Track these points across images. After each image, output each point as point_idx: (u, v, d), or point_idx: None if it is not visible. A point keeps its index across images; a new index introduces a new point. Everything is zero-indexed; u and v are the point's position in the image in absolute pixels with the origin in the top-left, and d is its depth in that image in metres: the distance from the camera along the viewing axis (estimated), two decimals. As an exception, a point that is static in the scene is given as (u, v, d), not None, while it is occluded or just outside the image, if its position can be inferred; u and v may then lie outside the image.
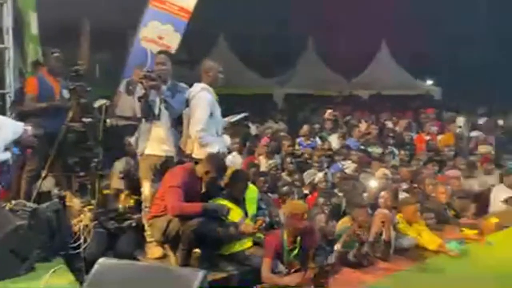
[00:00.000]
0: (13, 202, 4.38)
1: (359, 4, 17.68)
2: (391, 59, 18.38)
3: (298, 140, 7.91)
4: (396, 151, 7.90)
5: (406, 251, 4.83)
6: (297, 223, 4.05)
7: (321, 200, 5.24)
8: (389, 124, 10.17)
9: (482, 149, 8.43)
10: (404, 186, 6.33)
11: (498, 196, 6.74)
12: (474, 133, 9.78)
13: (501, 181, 6.98)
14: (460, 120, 10.63)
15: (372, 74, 18.26)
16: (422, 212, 5.38)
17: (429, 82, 18.44)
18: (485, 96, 14.76)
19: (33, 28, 6.96)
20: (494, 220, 5.75)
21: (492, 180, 7.13)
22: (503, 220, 5.83)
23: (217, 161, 4.21)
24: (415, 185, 6.47)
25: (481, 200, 6.77)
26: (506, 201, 6.59)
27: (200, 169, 4.18)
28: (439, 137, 9.39)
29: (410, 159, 7.62)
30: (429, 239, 4.96)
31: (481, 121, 11.16)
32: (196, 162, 4.28)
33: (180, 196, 3.96)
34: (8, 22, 6.33)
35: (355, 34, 17.99)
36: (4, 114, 5.59)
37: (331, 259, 4.24)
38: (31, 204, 4.33)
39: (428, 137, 9.23)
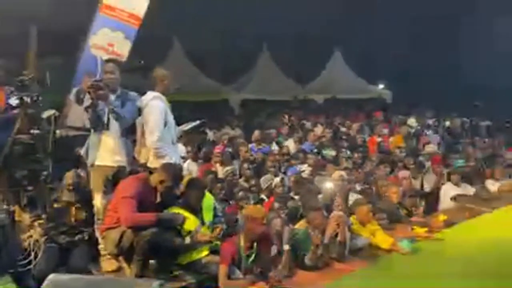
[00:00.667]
0: (-44, 219, 4.17)
1: (313, 9, 18.01)
2: (344, 64, 18.83)
3: (250, 146, 7.95)
4: (349, 153, 8.09)
5: (360, 251, 4.95)
6: (256, 227, 4.08)
7: (276, 204, 5.29)
8: (343, 128, 10.41)
9: (429, 148, 8.79)
10: (358, 187, 6.48)
11: (446, 194, 7.04)
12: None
13: (449, 179, 7.29)
14: (412, 121, 11.04)
15: (326, 78, 18.64)
16: (375, 213, 5.54)
17: (381, 86, 19.01)
18: (433, 100, 15.40)
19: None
20: (443, 218, 6.00)
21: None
22: (451, 217, 6.09)
23: (172, 170, 4.16)
24: (368, 186, 6.65)
25: (431, 198, 7.05)
26: (454, 198, 6.90)
27: (154, 179, 4.13)
28: (390, 139, 9.71)
29: (363, 161, 7.83)
30: (382, 239, 5.11)
31: (430, 122, 11.64)
32: (151, 171, 4.22)
33: (133, 206, 3.89)
34: None
35: (308, 39, 18.31)
36: None
37: (274, 250, 4.29)
38: (-25, 221, 4.13)
39: (379, 139, 9.52)
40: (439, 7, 18.38)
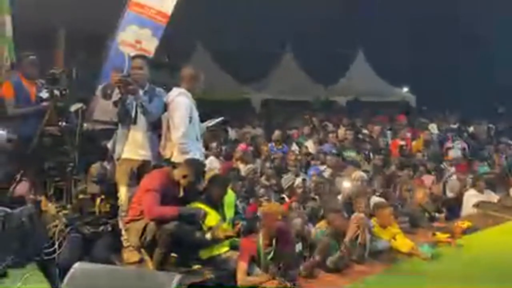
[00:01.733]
0: (-15, 207, 4.30)
1: (335, 10, 17.93)
2: (368, 66, 18.70)
3: (269, 145, 7.98)
4: (371, 156, 8.04)
5: (380, 254, 4.92)
6: (274, 223, 4.10)
7: (296, 204, 5.30)
8: (365, 130, 10.35)
9: (451, 153, 8.67)
10: (379, 190, 6.44)
11: (469, 200, 6.94)
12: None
13: (473, 185, 7.19)
14: (433, 126, 10.91)
15: (349, 80, 18.55)
16: (396, 216, 5.50)
17: (405, 89, 18.82)
18: (457, 104, 15.19)
19: (8, 31, 6.86)
20: (465, 224, 5.92)
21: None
22: (474, 224, 6.01)
23: (195, 166, 4.22)
24: (390, 189, 6.60)
25: (453, 204, 6.96)
26: (477, 205, 6.79)
27: (178, 173, 4.19)
28: (413, 143, 9.62)
29: (384, 164, 7.78)
30: (402, 242, 5.07)
31: (453, 127, 11.48)
32: (174, 166, 4.28)
33: (157, 200, 3.96)
34: (-18, 25, 6.22)
35: (332, 40, 18.21)
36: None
37: (299, 247, 4.29)
38: (4, 209, 4.26)
39: (402, 143, 9.44)
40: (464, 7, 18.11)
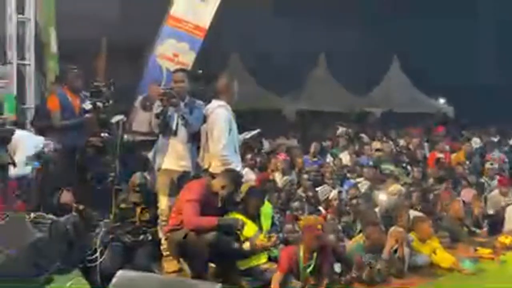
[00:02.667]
0: (33, 214, 4.48)
1: (371, 19, 17.82)
2: (403, 77, 18.45)
3: (304, 157, 7.96)
4: (409, 168, 7.91)
5: (420, 269, 4.83)
6: (314, 238, 4.09)
7: (330, 217, 5.26)
8: (402, 142, 10.19)
9: (492, 167, 8.41)
10: (418, 203, 6.32)
11: (512, 215, 6.70)
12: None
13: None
14: (476, 141, 10.63)
15: (383, 91, 18.33)
16: (436, 230, 5.39)
17: (442, 100, 18.43)
18: (498, 116, 14.74)
19: (53, 45, 7.16)
20: (508, 239, 5.73)
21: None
22: (517, 239, 5.80)
23: (234, 177, 4.28)
24: (429, 202, 6.47)
25: (495, 219, 6.74)
26: (520, 220, 6.55)
27: (216, 184, 4.25)
28: (452, 156, 9.39)
29: (422, 177, 7.64)
30: (443, 257, 4.96)
31: (494, 139, 11.15)
32: (213, 177, 4.35)
33: (196, 210, 4.03)
34: (30, 39, 6.51)
35: (366, 50, 18.09)
36: (24, 128, 5.72)
37: (338, 268, 4.26)
38: (50, 217, 4.42)
39: (440, 155, 9.23)
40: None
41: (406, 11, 18.42)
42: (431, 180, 7.44)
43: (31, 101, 6.43)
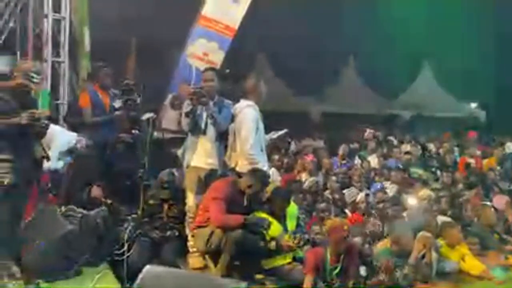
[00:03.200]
0: (64, 208, 4.61)
1: (400, 21, 17.53)
2: (433, 80, 18.13)
3: (333, 159, 7.90)
4: (439, 173, 7.76)
5: (448, 275, 4.73)
6: (340, 240, 4.06)
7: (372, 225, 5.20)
8: (431, 146, 10.01)
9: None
10: (447, 209, 6.20)
11: (546, 223, 6.49)
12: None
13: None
14: (509, 146, 10.34)
15: (413, 94, 18.05)
16: (465, 237, 5.27)
17: (473, 104, 18.00)
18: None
19: (86, 43, 7.34)
20: (541, 248, 5.55)
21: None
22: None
23: (260, 176, 4.29)
24: (458, 208, 6.33)
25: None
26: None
27: (243, 183, 4.27)
28: (484, 161, 9.16)
29: (452, 182, 7.47)
30: (472, 264, 4.85)
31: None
32: (240, 175, 4.38)
33: (222, 207, 4.06)
34: (64, 37, 6.69)
35: (397, 53, 17.81)
36: (58, 124, 5.88)
37: (363, 271, 4.21)
38: (81, 211, 4.54)
39: (470, 160, 9.03)
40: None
41: (429, 12, 18.05)
42: (460, 186, 7.27)
43: (64, 98, 6.62)
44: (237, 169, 4.52)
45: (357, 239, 4.89)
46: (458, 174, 8.09)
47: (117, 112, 5.50)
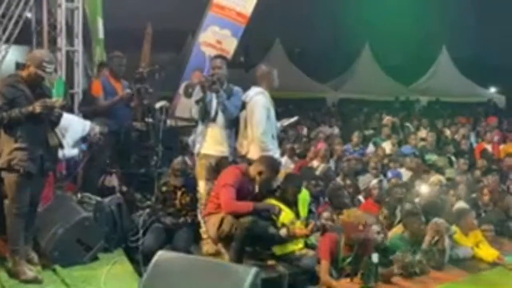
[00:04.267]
0: (80, 195, 4.71)
1: (416, 8, 17.22)
2: (451, 65, 17.80)
3: (345, 146, 7.85)
4: (454, 159, 7.66)
5: (461, 262, 4.70)
6: (355, 234, 4.05)
7: (385, 211, 5.17)
8: (447, 132, 9.87)
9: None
10: (462, 195, 6.12)
11: None
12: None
13: None
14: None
15: (431, 79, 17.78)
16: (481, 223, 5.22)
17: (493, 89, 17.64)
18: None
19: (100, 32, 7.40)
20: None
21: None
22: None
23: (271, 163, 4.30)
24: (474, 194, 6.26)
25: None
26: None
27: (254, 170, 4.28)
28: (501, 147, 9.00)
29: (469, 168, 7.38)
30: (486, 251, 4.80)
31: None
32: (250, 162, 4.39)
33: (233, 194, 4.08)
34: (78, 26, 6.75)
35: (413, 39, 17.54)
36: (73, 112, 5.97)
37: (375, 258, 4.20)
38: (96, 198, 4.63)
39: (487, 146, 8.88)
40: None
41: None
42: (477, 172, 7.17)
43: (78, 86, 6.70)
44: (249, 156, 4.53)
45: (373, 227, 4.85)
46: (476, 160, 7.98)
47: (127, 90, 5.48)
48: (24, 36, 7.01)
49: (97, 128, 5.15)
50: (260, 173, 4.26)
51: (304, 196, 4.74)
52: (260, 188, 4.39)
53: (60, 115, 3.84)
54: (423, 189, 5.76)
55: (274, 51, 17.25)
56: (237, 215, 4.04)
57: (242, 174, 4.25)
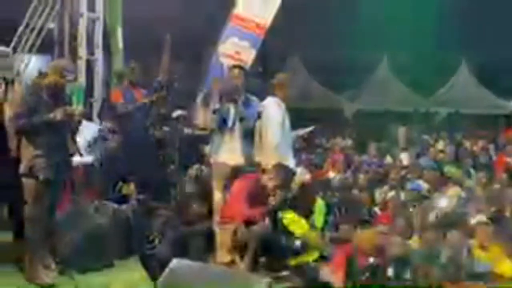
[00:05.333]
0: (97, 202, 4.76)
1: (435, 18, 17.09)
2: (471, 76, 17.59)
3: (363, 157, 7.81)
4: (473, 172, 7.54)
5: (480, 276, 4.60)
6: (368, 254, 4.02)
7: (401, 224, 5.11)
8: (467, 144, 9.74)
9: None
10: (482, 209, 6.02)
11: None
12: None
13: None
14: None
15: (450, 91, 17.58)
16: (499, 237, 5.11)
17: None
18: None
19: (119, 42, 7.53)
20: None
21: None
22: None
23: (282, 170, 4.28)
24: (494, 208, 6.14)
25: None
26: None
27: (266, 177, 4.28)
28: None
29: (489, 181, 7.25)
30: (506, 266, 4.70)
31: None
32: (264, 171, 4.39)
33: (246, 203, 4.10)
34: (98, 36, 6.89)
35: (433, 49, 17.39)
36: (91, 121, 6.07)
37: (391, 272, 4.14)
38: (113, 205, 4.68)
39: (509, 159, 8.72)
40: None
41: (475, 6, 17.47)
42: (497, 185, 7.04)
43: (98, 95, 6.81)
44: (264, 165, 4.54)
45: (390, 240, 4.79)
46: (496, 173, 7.84)
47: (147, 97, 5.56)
48: (46, 46, 7.18)
49: (108, 124, 5.20)
50: (271, 179, 4.24)
51: (320, 206, 4.72)
52: (272, 196, 4.35)
53: (80, 123, 3.91)
54: (441, 201, 5.68)
55: (291, 61, 17.29)
56: (249, 224, 4.03)
57: (254, 182, 4.26)
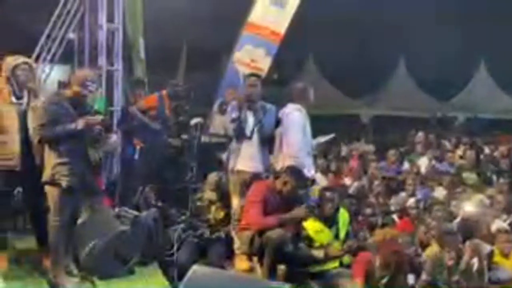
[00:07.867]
0: (117, 209, 4.84)
1: (455, 22, 16.92)
2: (490, 80, 17.37)
3: (381, 164, 7.75)
4: (494, 178, 7.44)
5: (501, 284, 4.54)
6: (389, 251, 4.00)
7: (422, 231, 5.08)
8: (487, 150, 9.60)
9: None
10: (502, 216, 5.93)
11: None
12: None
13: None
14: None
15: (469, 95, 17.38)
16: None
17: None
18: None
19: (141, 52, 7.64)
20: None
21: None
22: None
23: (296, 173, 4.25)
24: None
25: None
26: None
27: (279, 182, 4.24)
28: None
29: (510, 188, 7.13)
30: (528, 273, 4.62)
31: None
32: (278, 177, 4.38)
33: (260, 210, 4.09)
34: (118, 46, 6.99)
35: (451, 53, 17.21)
36: (111, 130, 6.16)
37: (412, 279, 4.11)
38: (133, 212, 4.74)
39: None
40: None
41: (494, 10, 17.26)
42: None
43: (118, 104, 6.91)
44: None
45: (408, 248, 4.76)
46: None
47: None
48: (66, 56, 7.32)
49: (114, 137, 5.24)
50: (285, 183, 4.21)
51: (344, 216, 4.62)
52: (287, 200, 4.30)
53: (101, 132, 3.98)
54: (461, 208, 5.62)
55: (307, 68, 17.31)
56: (265, 230, 4.03)
57: (268, 188, 4.24)
